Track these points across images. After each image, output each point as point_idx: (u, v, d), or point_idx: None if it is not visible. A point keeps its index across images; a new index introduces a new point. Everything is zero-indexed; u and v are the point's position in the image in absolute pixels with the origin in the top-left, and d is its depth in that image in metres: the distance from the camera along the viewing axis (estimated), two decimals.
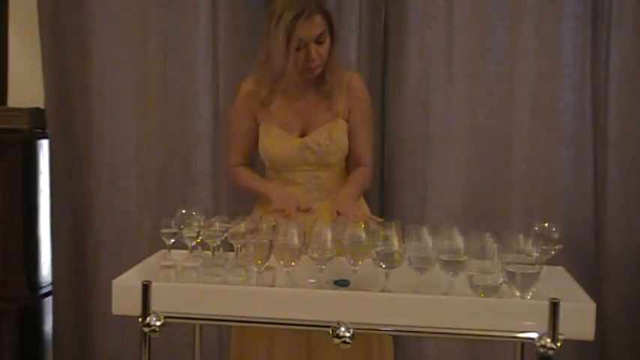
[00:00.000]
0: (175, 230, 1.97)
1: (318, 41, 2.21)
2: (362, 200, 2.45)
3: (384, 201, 2.99)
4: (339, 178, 2.38)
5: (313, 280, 1.85)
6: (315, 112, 2.35)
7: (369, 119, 2.45)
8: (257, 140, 2.39)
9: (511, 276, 1.65)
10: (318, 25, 2.19)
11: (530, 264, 1.66)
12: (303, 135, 2.34)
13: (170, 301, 1.73)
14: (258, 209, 2.39)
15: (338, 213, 2.11)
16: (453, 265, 1.72)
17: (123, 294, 1.76)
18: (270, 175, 2.41)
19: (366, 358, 2.25)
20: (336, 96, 2.34)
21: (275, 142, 2.33)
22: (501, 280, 1.67)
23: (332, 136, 2.31)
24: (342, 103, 2.36)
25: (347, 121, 2.37)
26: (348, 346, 1.64)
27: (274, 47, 2.19)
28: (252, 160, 2.50)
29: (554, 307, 1.59)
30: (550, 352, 1.59)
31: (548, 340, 1.59)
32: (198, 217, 1.98)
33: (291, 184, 2.34)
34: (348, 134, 2.38)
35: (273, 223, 1.87)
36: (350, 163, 2.43)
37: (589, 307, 1.63)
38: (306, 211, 2.19)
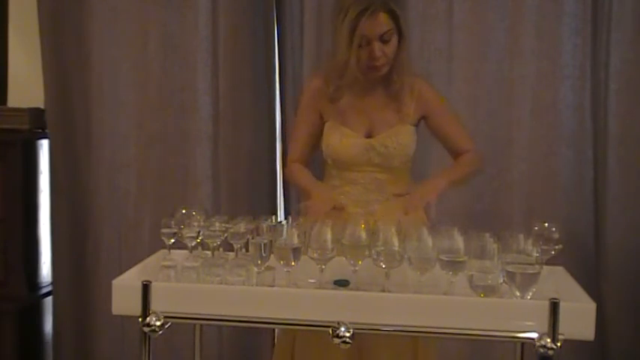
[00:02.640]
0: (175, 230, 1.96)
1: (383, 40, 2.19)
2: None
3: None
4: (400, 181, 2.35)
5: (313, 280, 1.85)
6: (383, 113, 2.33)
7: (450, 112, 2.43)
8: (319, 137, 2.37)
9: (511, 276, 1.65)
10: (382, 23, 2.17)
11: (530, 264, 1.65)
12: (368, 135, 2.33)
13: (170, 301, 1.72)
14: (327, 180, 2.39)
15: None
16: (453, 265, 1.72)
17: (123, 294, 1.75)
18: (331, 174, 2.38)
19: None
20: (405, 98, 2.33)
21: (341, 141, 2.31)
22: (501, 280, 1.67)
23: (399, 140, 2.30)
24: (411, 109, 2.34)
25: (416, 125, 2.36)
26: (348, 346, 1.64)
27: (339, 42, 2.20)
28: (310, 159, 2.45)
29: (554, 307, 1.59)
30: (550, 352, 1.58)
31: (548, 340, 1.59)
32: (198, 217, 1.98)
33: (351, 184, 2.32)
34: (437, 134, 2.40)
35: (274, 224, 1.87)
36: (452, 156, 2.41)
37: (589, 307, 1.63)
38: (341, 210, 2.19)
